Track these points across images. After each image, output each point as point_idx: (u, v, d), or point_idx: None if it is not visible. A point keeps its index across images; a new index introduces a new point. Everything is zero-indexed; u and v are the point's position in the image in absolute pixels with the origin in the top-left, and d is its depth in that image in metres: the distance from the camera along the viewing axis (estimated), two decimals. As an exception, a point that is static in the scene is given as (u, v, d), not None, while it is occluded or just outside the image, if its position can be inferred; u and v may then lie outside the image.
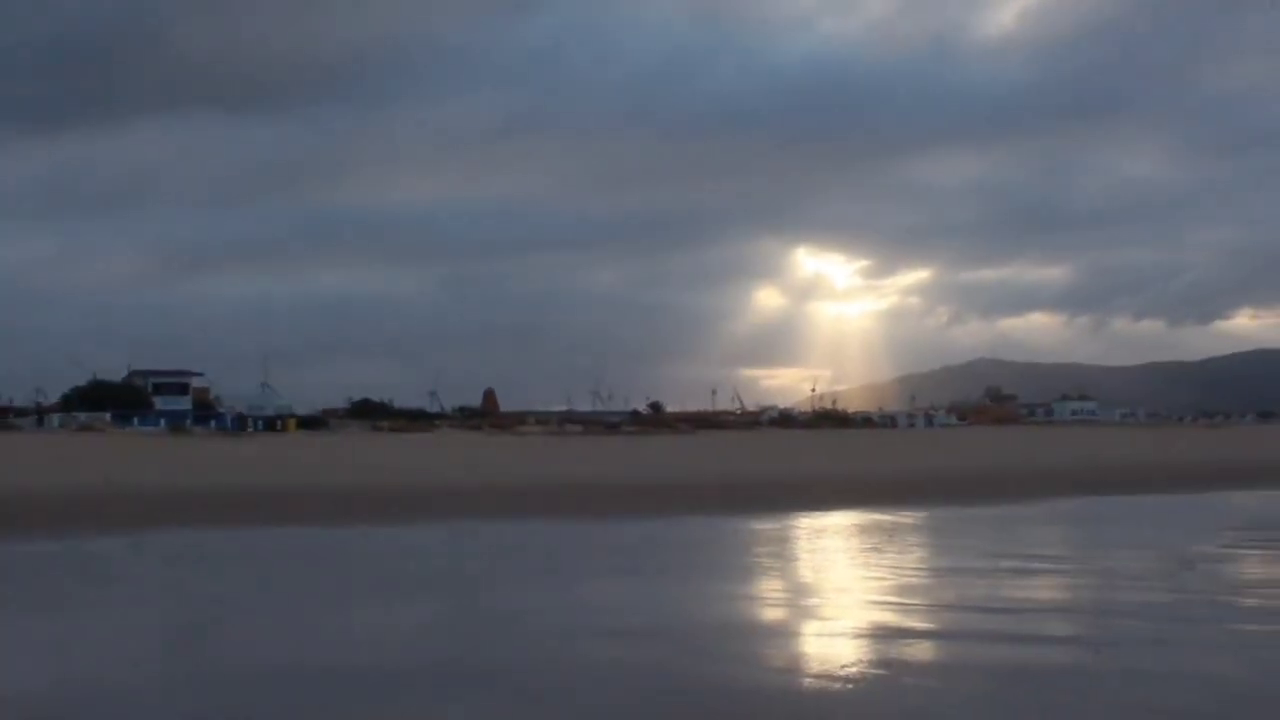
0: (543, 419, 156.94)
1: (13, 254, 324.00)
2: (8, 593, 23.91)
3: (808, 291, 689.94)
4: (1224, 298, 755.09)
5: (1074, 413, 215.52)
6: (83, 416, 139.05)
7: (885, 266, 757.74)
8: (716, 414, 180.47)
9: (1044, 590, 22.86)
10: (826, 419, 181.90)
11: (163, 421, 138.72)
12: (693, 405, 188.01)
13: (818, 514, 40.31)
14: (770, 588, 23.65)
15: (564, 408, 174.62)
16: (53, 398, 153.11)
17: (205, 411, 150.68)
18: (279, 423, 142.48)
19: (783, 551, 30.56)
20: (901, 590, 22.34)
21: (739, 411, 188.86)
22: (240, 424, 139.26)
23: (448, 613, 20.48)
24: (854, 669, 15.36)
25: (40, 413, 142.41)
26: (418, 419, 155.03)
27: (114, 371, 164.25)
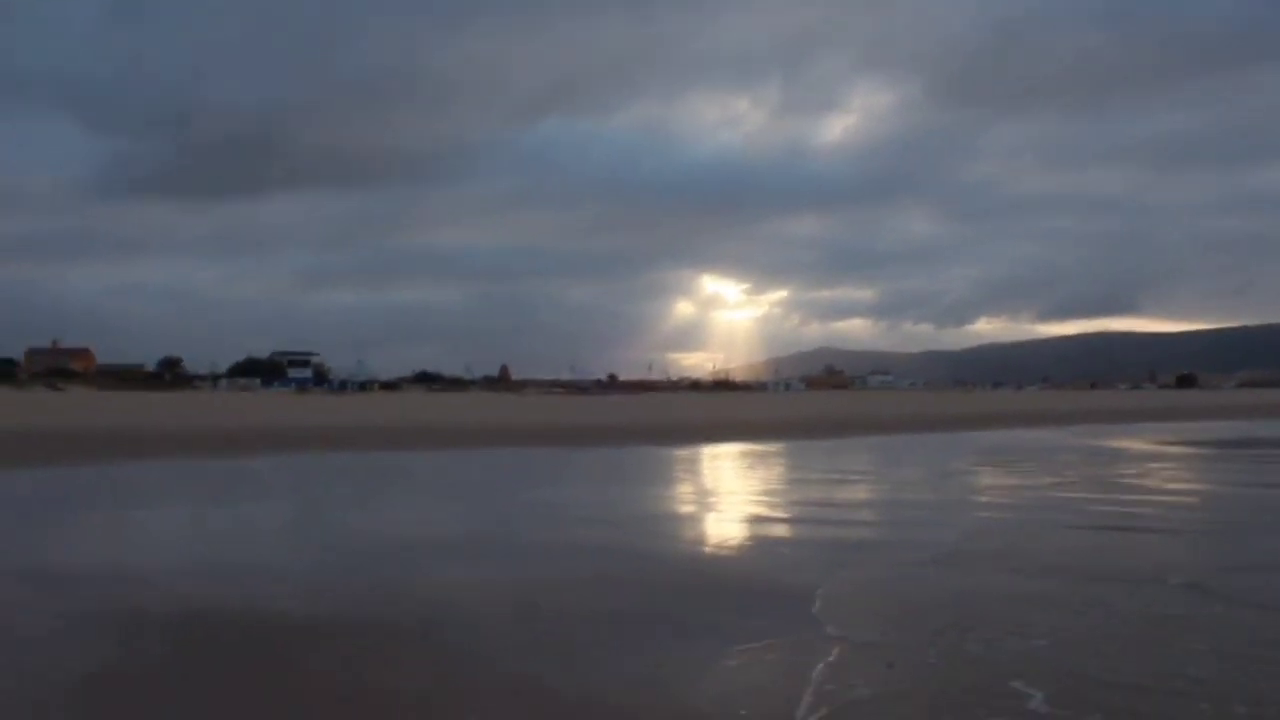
0: (539, 385, 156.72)
1: (199, 278, 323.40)
2: (197, 494, 23.87)
3: (709, 303, 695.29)
4: (969, 310, 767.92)
5: (880, 382, 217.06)
6: (241, 381, 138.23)
7: (759, 287, 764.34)
8: (652, 382, 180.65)
9: (857, 493, 22.99)
10: (722, 385, 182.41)
11: (293, 384, 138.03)
12: (636, 376, 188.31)
13: (716, 445, 40.43)
14: (683, 491, 23.69)
15: (552, 377, 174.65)
16: (223, 369, 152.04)
17: (320, 378, 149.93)
18: (368, 385, 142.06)
19: (692, 468, 30.64)
20: (768, 493, 22.44)
21: (666, 381, 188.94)
22: (342, 386, 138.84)
23: (474, 507, 20.50)
24: (737, 542, 15.55)
25: (214, 378, 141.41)
26: (457, 384, 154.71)
27: (262, 352, 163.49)
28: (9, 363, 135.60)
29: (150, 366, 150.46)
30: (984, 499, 21.18)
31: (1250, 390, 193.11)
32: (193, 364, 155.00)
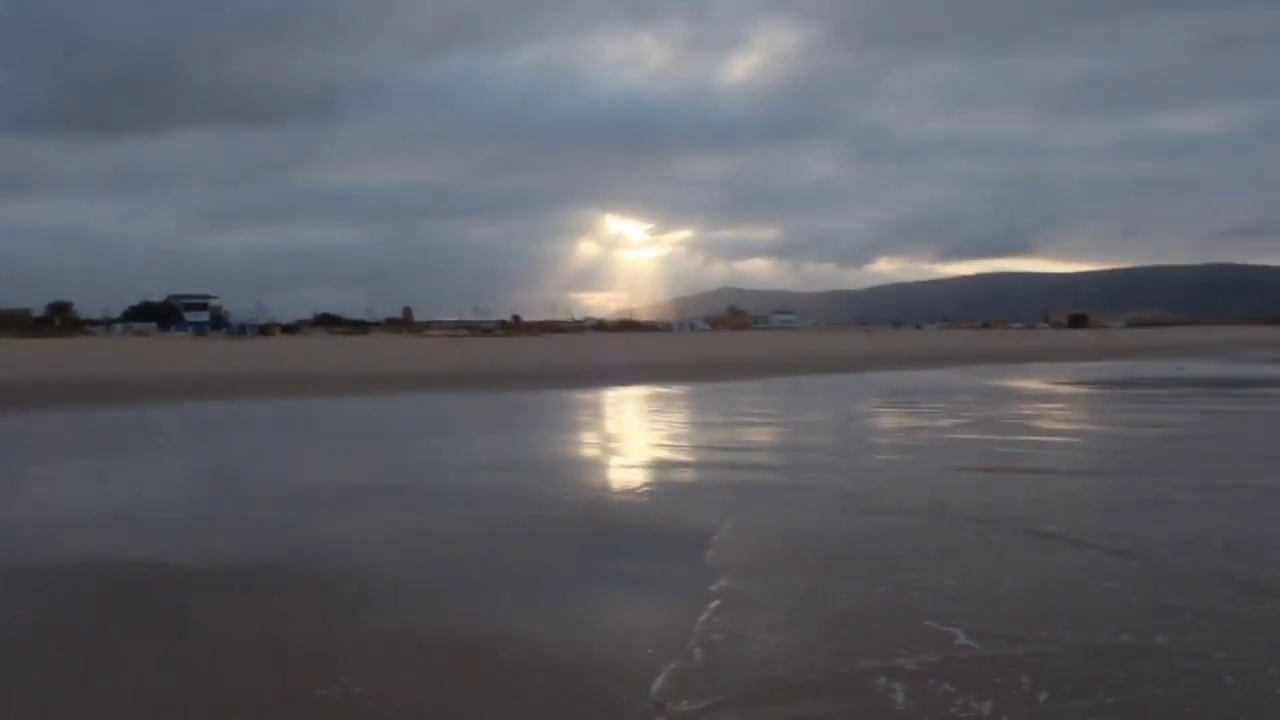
0: (442, 326, 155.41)
1: (89, 217, 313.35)
2: (98, 445, 23.39)
3: (613, 243, 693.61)
4: (870, 250, 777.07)
5: (783, 321, 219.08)
6: (136, 326, 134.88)
7: (663, 227, 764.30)
8: (556, 323, 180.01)
9: (760, 436, 23.32)
10: (627, 326, 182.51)
11: (190, 329, 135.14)
12: (540, 317, 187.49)
13: (620, 388, 40.59)
14: (587, 436, 23.82)
15: (456, 319, 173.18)
16: (116, 314, 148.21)
17: (219, 322, 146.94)
18: (268, 329, 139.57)
19: (596, 412, 30.79)
20: (672, 437, 22.65)
21: (570, 321, 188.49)
22: (242, 330, 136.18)
23: (386, 455, 20.38)
24: (641, 487, 15.69)
25: (108, 323, 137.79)
26: (359, 326, 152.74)
27: (158, 295, 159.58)
28: None
29: (38, 311, 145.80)
30: (883, 441, 21.71)
31: (1137, 330, 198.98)
32: (84, 308, 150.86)
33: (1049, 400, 33.05)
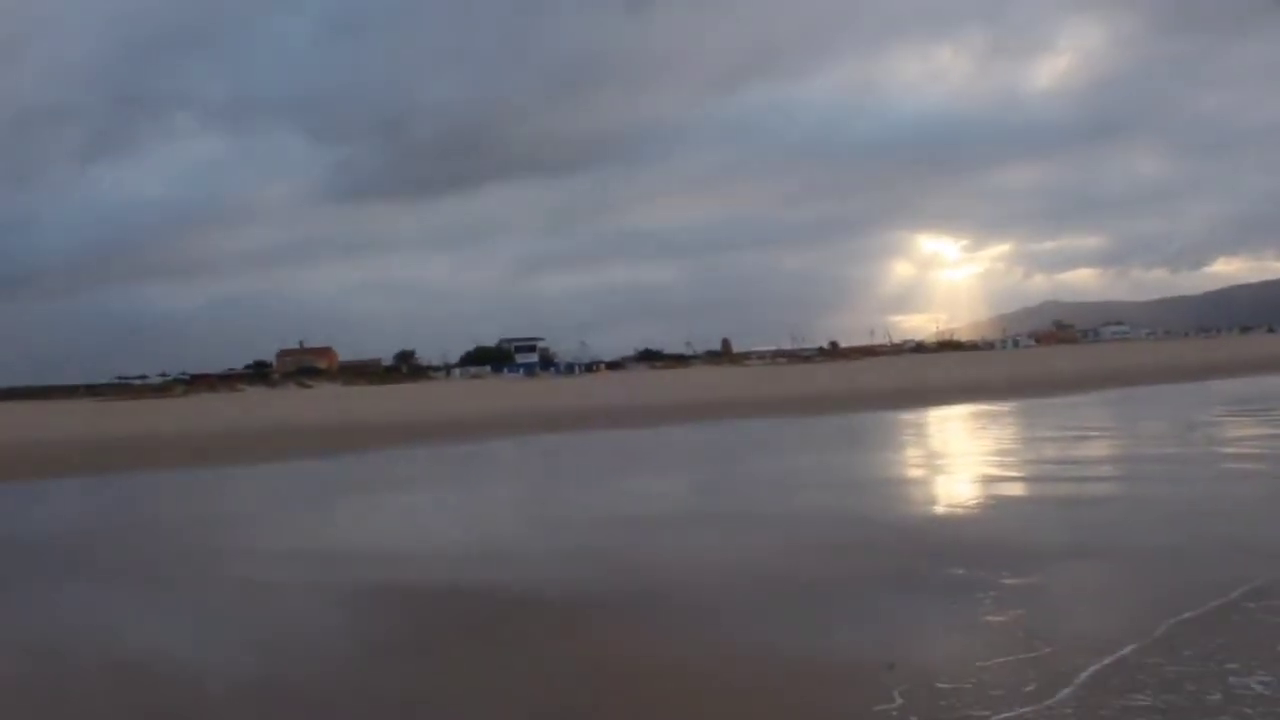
0: (761, 356, 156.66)
1: (424, 273, 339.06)
2: (443, 475, 25.15)
3: (928, 263, 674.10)
4: (1206, 251, 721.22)
5: (1114, 333, 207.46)
6: (473, 369, 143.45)
7: (978, 243, 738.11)
8: (875, 346, 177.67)
9: (1095, 450, 22.36)
10: (947, 346, 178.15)
11: (521, 370, 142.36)
12: (858, 342, 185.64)
13: (944, 408, 39.81)
14: (915, 454, 23.51)
15: (774, 347, 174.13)
16: (453, 358, 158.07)
17: (547, 363, 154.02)
18: (594, 367, 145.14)
19: (922, 431, 30.36)
20: (1001, 453, 22.05)
21: (889, 344, 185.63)
22: (570, 369, 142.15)
23: (707, 478, 20.87)
24: (973, 502, 15.45)
25: (447, 368, 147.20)
26: (680, 359, 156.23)
27: (489, 340, 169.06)
28: (263, 365, 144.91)
29: (387, 360, 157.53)
30: (1233, 450, 20.35)
31: None
32: (425, 355, 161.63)
33: None
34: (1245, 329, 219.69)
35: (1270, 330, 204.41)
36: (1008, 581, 9.60)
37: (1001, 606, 8.75)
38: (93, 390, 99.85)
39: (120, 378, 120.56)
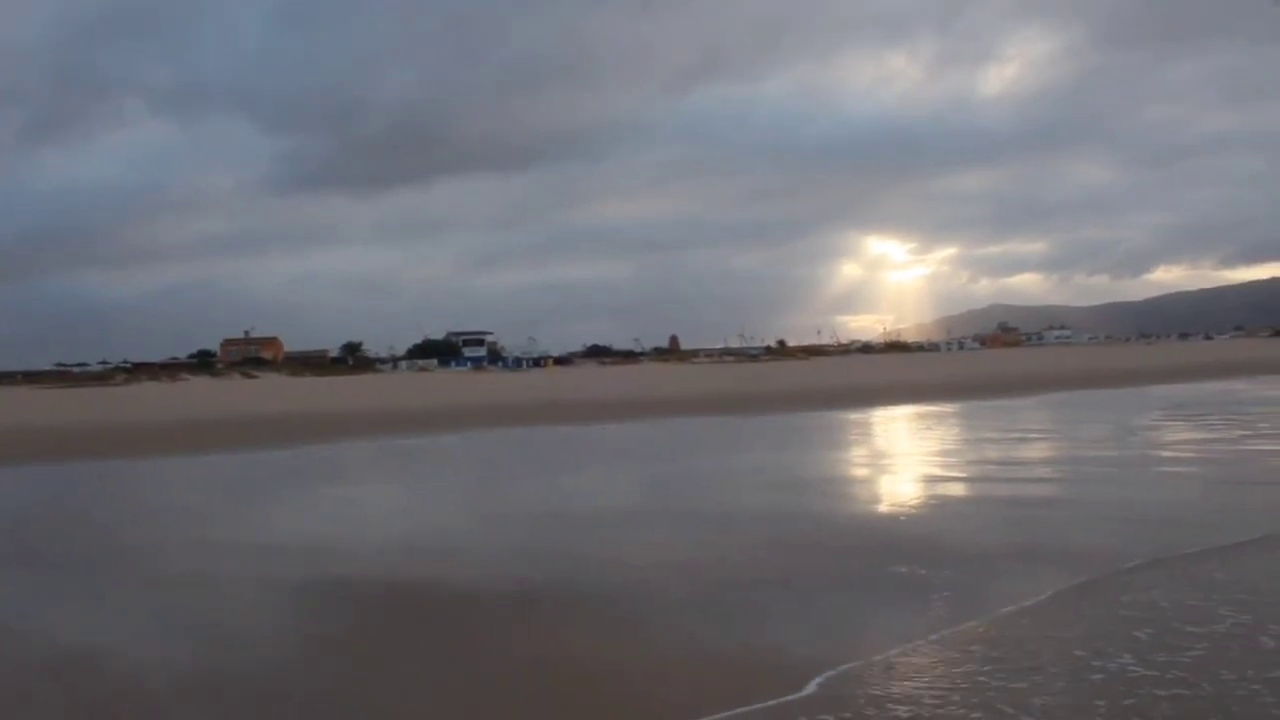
0: (709, 354, 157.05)
1: (373, 265, 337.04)
2: (388, 468, 24.97)
3: (876, 264, 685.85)
4: (1147, 258, 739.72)
5: (1057, 338, 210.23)
6: (420, 362, 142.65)
7: (926, 246, 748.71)
8: (821, 346, 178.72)
9: (1035, 451, 22.63)
10: (894, 347, 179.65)
11: (469, 364, 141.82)
12: (805, 342, 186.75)
13: (889, 408, 40.12)
14: (858, 454, 23.64)
15: (722, 346, 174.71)
16: (401, 351, 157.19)
17: (495, 357, 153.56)
18: (541, 362, 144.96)
19: (867, 431, 30.55)
20: (944, 454, 22.28)
21: (836, 344, 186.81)
22: (517, 363, 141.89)
23: (653, 474, 20.91)
24: (915, 502, 15.62)
25: (394, 360, 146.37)
26: (628, 356, 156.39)
27: (437, 333, 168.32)
28: (208, 354, 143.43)
29: (334, 351, 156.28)
30: (1170, 454, 20.69)
31: None
32: (373, 347, 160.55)
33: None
34: (1184, 335, 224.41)
35: (1208, 337, 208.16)
36: (946, 578, 9.77)
37: (934, 602, 8.99)
38: (30, 377, 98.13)
39: (60, 364, 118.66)
